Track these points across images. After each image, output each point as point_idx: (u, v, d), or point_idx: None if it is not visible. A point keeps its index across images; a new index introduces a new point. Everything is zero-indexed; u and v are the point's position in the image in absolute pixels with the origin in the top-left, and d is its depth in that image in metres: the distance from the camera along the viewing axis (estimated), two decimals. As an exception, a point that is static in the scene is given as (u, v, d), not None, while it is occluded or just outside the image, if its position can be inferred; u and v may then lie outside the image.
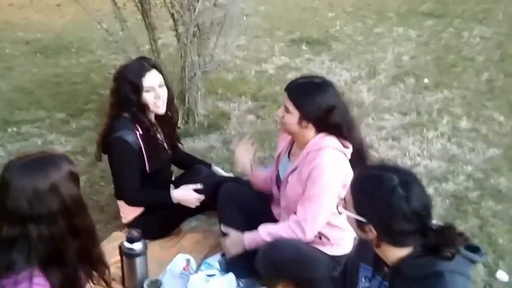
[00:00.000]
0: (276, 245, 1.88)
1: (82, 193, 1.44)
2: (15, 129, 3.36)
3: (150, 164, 2.22)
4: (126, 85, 2.15)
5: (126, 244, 1.97)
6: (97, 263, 1.48)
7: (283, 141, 2.08)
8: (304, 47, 4.97)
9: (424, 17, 5.89)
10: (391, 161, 3.04)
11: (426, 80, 4.20)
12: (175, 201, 2.23)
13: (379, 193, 1.27)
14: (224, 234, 2.07)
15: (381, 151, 3.19)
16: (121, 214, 2.34)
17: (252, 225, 2.06)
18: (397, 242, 1.29)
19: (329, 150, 1.85)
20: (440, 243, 1.25)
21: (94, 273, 1.50)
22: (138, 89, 2.14)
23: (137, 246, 1.96)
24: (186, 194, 2.24)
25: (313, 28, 5.54)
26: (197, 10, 3.04)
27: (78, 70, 4.36)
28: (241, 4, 3.45)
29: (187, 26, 3.08)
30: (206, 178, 2.32)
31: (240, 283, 2.04)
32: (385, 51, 4.87)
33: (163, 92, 2.21)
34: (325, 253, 1.94)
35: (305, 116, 1.84)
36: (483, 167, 2.99)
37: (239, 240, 1.98)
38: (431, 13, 6.00)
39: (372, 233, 1.30)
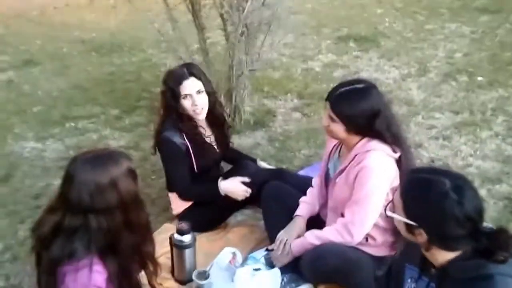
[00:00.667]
0: (320, 254, 1.89)
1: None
2: (72, 124, 3.55)
3: (197, 163, 2.31)
4: (167, 91, 2.27)
5: (177, 236, 2.05)
6: (147, 260, 1.55)
7: (332, 140, 2.08)
8: (351, 44, 4.91)
9: (478, 12, 5.65)
10: (441, 161, 2.97)
11: (480, 78, 4.05)
12: (222, 193, 2.30)
13: (431, 197, 1.26)
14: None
15: (431, 150, 3.11)
16: (172, 206, 2.44)
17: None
18: (448, 246, 1.28)
19: (376, 152, 1.83)
20: (493, 246, 1.24)
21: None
22: (176, 95, 2.25)
23: (187, 238, 2.04)
24: (234, 186, 2.30)
25: (361, 25, 5.46)
26: (246, 10, 3.09)
27: (130, 69, 4.53)
28: (288, 3, 3.46)
29: (236, 26, 3.13)
30: (254, 173, 2.37)
31: (285, 278, 2.07)
32: (436, 48, 4.73)
33: (201, 99, 2.28)
34: (370, 254, 1.93)
35: (351, 126, 1.84)
36: (539, 169, 2.86)
37: (287, 250, 2.01)
38: (486, 9, 5.74)
39: (422, 237, 1.29)
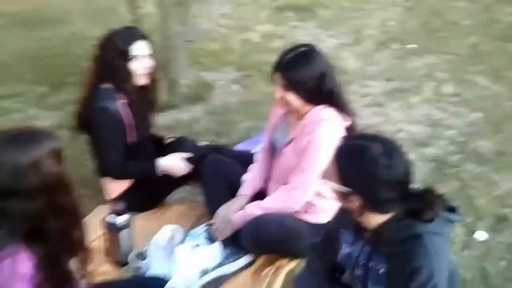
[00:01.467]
0: (260, 223, 1.90)
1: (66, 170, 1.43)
2: (-6, 104, 3.30)
3: (132, 134, 2.20)
4: (113, 52, 2.11)
5: (111, 218, 1.97)
6: (77, 247, 1.47)
7: (277, 110, 2.06)
8: (289, 14, 4.89)
9: (411, -19, 5.79)
10: (374, 128, 3.05)
11: (412, 45, 4.17)
12: (161, 170, 2.21)
13: (362, 163, 1.28)
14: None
15: (365, 117, 3.18)
16: (106, 192, 2.32)
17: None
18: (380, 209, 1.32)
19: (327, 123, 1.85)
20: (421, 206, 1.28)
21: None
22: (126, 56, 2.11)
23: (122, 219, 1.97)
24: (174, 163, 2.23)
25: (299, -6, 5.43)
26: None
27: (57, 43, 4.25)
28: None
29: (168, -7, 3.00)
30: (192, 148, 2.31)
31: (225, 252, 2.05)
32: (371, 17, 4.81)
33: (150, 63, 2.18)
34: (307, 222, 1.96)
35: (303, 91, 1.83)
36: (465, 131, 3.02)
37: (229, 222, 2.00)
38: (418, -23, 5.90)
39: (355, 202, 1.31)
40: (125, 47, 2.11)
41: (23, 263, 1.30)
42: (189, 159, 2.25)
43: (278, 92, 1.88)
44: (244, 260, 2.05)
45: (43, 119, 3.15)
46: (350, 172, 1.31)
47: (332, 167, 1.36)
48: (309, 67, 1.83)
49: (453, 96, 3.41)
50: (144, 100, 2.28)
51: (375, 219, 1.33)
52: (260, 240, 1.91)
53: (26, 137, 1.35)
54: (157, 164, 2.22)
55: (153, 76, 2.25)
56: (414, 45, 4.18)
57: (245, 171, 2.16)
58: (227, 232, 2.01)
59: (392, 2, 5.22)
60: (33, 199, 1.32)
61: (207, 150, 2.37)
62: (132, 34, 2.15)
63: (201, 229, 2.18)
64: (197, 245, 2.06)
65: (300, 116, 1.92)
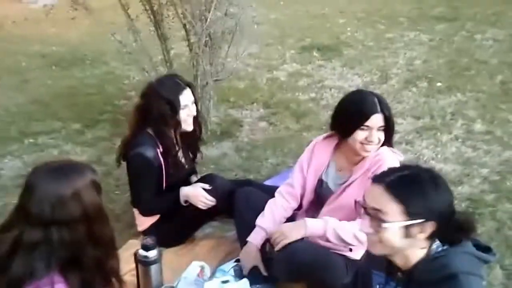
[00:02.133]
0: (297, 248, 1.89)
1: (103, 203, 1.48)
2: (31, 140, 3.43)
3: (167, 181, 2.26)
4: (161, 103, 2.17)
5: (141, 252, 1.99)
6: (111, 275, 1.50)
7: (322, 150, 2.09)
8: (315, 53, 4.99)
9: (435, 21, 5.86)
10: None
11: (439, 84, 4.18)
12: (182, 199, 2.24)
13: (427, 188, 1.26)
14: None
15: (394, 155, 3.17)
16: (137, 222, 2.37)
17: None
18: (452, 233, 1.27)
19: (390, 159, 1.91)
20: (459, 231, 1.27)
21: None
22: (175, 107, 2.18)
23: (152, 253, 1.99)
24: (194, 190, 2.25)
25: (324, 35, 5.55)
26: (208, 20, 3.08)
27: (92, 82, 4.43)
28: (252, 13, 3.48)
29: (199, 36, 3.12)
30: (220, 184, 2.33)
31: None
32: (397, 56, 4.86)
33: (194, 110, 2.26)
34: (342, 256, 1.95)
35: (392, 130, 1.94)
36: (498, 170, 2.95)
37: (297, 229, 1.95)
38: (443, 17, 5.96)
39: (424, 232, 1.25)
40: (174, 98, 2.18)
41: None
42: (211, 192, 2.25)
43: (376, 134, 1.90)
44: (273, 297, 2.03)
45: (77, 155, 3.25)
46: (420, 200, 1.25)
47: (390, 206, 1.25)
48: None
49: (484, 134, 3.37)
50: (188, 143, 2.36)
51: (412, 258, 1.29)
52: (294, 266, 1.88)
53: (69, 168, 1.41)
54: (181, 192, 2.25)
55: (196, 120, 2.32)
56: (441, 83, 4.18)
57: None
58: (298, 235, 1.93)
59: (417, 41, 5.27)
60: (73, 228, 1.36)
61: (236, 184, 2.40)
62: (178, 84, 2.22)
63: (229, 265, 2.18)
64: (226, 281, 2.05)
65: (355, 159, 1.97)
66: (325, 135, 2.13)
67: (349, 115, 1.93)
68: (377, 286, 1.44)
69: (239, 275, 2.10)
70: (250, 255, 2.06)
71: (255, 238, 2.07)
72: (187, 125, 2.26)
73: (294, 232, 1.94)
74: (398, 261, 1.32)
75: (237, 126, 3.60)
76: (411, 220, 1.24)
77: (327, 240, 1.92)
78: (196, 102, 2.31)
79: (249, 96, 4.05)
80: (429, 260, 1.27)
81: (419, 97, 3.98)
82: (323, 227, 1.91)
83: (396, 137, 3.34)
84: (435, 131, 3.43)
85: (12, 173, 3.06)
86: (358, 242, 1.87)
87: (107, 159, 3.14)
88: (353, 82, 4.29)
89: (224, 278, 2.07)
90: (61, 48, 5.28)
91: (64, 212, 1.34)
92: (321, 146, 2.11)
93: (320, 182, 2.10)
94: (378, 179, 1.32)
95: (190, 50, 3.29)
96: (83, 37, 5.59)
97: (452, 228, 1.27)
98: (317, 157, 2.11)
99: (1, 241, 1.39)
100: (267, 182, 2.76)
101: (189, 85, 2.26)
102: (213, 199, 2.24)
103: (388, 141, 1.96)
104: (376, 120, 1.89)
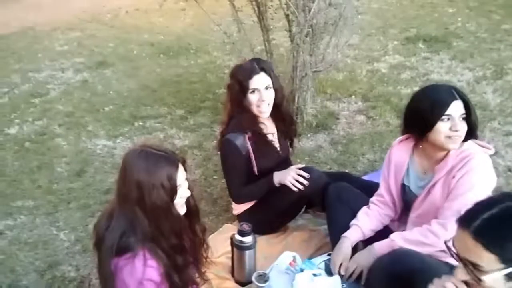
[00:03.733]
0: (400, 256, 1.80)
1: (192, 184, 1.55)
2: (141, 123, 3.70)
3: (258, 164, 2.28)
4: (236, 84, 2.22)
5: (238, 237, 2.06)
6: (201, 259, 1.58)
7: (399, 154, 2.01)
8: (420, 45, 4.71)
9: None
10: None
11: None
12: (276, 179, 2.23)
13: None
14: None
15: (507, 158, 2.90)
16: (232, 206, 2.45)
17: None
18: None
19: (478, 155, 1.79)
20: None
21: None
22: (244, 89, 2.20)
23: (248, 239, 2.04)
24: (286, 171, 2.23)
25: (431, 25, 5.22)
26: (312, 10, 3.06)
27: (196, 70, 4.64)
28: (355, 3, 3.38)
29: (301, 26, 3.11)
30: (317, 175, 2.28)
31: (344, 285, 2.00)
32: (513, 49, 4.42)
33: (268, 95, 2.22)
34: (448, 263, 1.84)
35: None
36: None
37: (367, 256, 1.93)
38: None
39: None
40: (245, 80, 2.19)
41: (151, 270, 1.41)
42: (305, 177, 2.20)
43: (460, 122, 1.78)
44: (363, 296, 1.98)
45: (180, 139, 3.44)
46: None
47: (483, 256, 1.11)
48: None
49: None
50: (280, 129, 2.35)
51: None
52: (399, 274, 1.77)
53: (161, 158, 1.48)
54: (274, 175, 2.25)
55: (280, 106, 2.30)
56: None
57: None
58: (368, 263, 1.90)
59: (540, 33, 4.74)
60: (155, 213, 1.45)
61: (334, 176, 2.36)
62: (252, 67, 2.21)
63: (319, 259, 2.17)
64: (317, 275, 2.05)
65: (436, 157, 1.86)
66: (400, 138, 2.02)
67: (426, 108, 1.80)
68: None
69: (329, 270, 2.08)
70: (342, 251, 2.02)
71: (351, 235, 2.03)
72: (260, 111, 2.22)
73: (365, 260, 1.91)
74: None
75: (334, 118, 3.55)
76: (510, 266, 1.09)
77: None
78: (277, 89, 2.24)
79: (347, 88, 3.96)
80: None
81: (539, 95, 3.59)
82: (389, 246, 1.86)
83: (510, 139, 3.09)
84: (557, 134, 3.08)
85: (123, 152, 3.32)
86: (433, 245, 1.78)
87: (207, 145, 3.29)
88: (463, 77, 3.99)
89: (316, 271, 2.07)
90: (169, 37, 5.60)
91: (148, 197, 1.43)
92: (398, 149, 2.01)
93: (403, 187, 2.01)
94: (464, 223, 1.16)
95: (291, 40, 3.29)
96: (189, 27, 5.87)
97: None
98: (395, 162, 2.02)
99: (102, 215, 1.53)
100: (364, 178, 2.69)
101: (264, 69, 2.21)
102: (305, 181, 2.19)
103: (471, 134, 1.80)
104: (457, 107, 1.76)
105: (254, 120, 2.26)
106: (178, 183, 1.48)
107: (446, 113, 1.77)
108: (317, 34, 3.30)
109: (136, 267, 1.40)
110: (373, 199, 2.12)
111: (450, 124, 1.77)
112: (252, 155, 2.26)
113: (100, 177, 3.06)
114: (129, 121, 3.73)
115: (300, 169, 2.25)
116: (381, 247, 1.90)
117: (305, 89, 3.43)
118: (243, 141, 2.23)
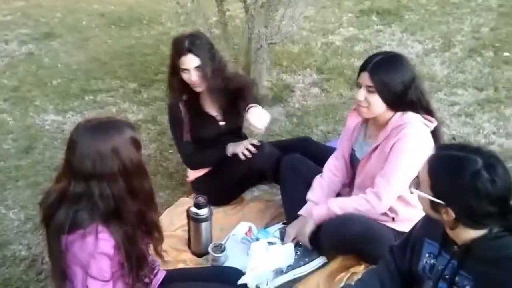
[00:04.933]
0: (346, 220, 1.89)
1: (146, 159, 1.52)
2: (91, 97, 3.58)
3: (193, 133, 2.32)
4: (170, 59, 2.29)
5: (193, 209, 2.07)
6: (152, 228, 1.56)
7: (353, 120, 2.06)
8: (374, 17, 4.78)
9: (508, -16, 5.42)
10: (463, 138, 2.91)
11: (506, 54, 3.91)
12: (229, 150, 2.31)
13: (463, 176, 1.22)
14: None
15: (452, 127, 3.05)
16: (187, 174, 2.46)
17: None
18: (477, 224, 1.26)
19: (413, 124, 1.83)
20: None
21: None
22: (176, 69, 2.25)
23: (204, 211, 2.06)
24: (239, 143, 2.30)
25: (384, -2, 5.30)
26: (266, -20, 3.02)
27: (149, 42, 4.51)
28: (309, -27, 3.37)
29: (256, -3, 3.07)
30: (268, 150, 2.32)
31: (298, 252, 2.07)
32: (462, 22, 4.57)
33: (196, 75, 2.22)
34: (392, 228, 1.93)
35: (388, 95, 1.83)
36: None
37: (306, 223, 2.01)
38: (517, -20, 5.50)
39: (448, 215, 1.26)
40: (175, 60, 2.24)
41: (103, 243, 1.40)
42: (257, 147, 2.26)
43: (360, 94, 1.86)
44: (317, 261, 2.06)
45: (134, 113, 3.37)
46: (447, 185, 1.25)
47: (424, 176, 1.31)
48: (398, 72, 1.84)
49: (552, 109, 3.15)
50: (221, 100, 2.35)
51: (467, 234, 1.28)
52: (344, 238, 1.88)
53: (109, 125, 1.46)
54: (228, 146, 2.32)
55: (225, 82, 2.31)
56: (509, 54, 3.91)
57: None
58: (308, 233, 2.01)
59: (485, 6, 4.91)
60: (113, 182, 1.42)
61: (296, 141, 2.45)
62: (181, 48, 2.20)
63: (274, 228, 2.22)
64: (272, 243, 2.10)
65: (383, 123, 1.90)
66: None
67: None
68: (427, 255, 1.42)
69: (283, 238, 2.14)
70: (297, 226, 2.08)
71: (307, 212, 2.07)
72: (194, 87, 2.28)
73: (305, 228, 2.00)
74: (452, 234, 1.30)
75: (289, 91, 3.57)
76: (434, 197, 1.28)
77: None
78: (215, 60, 2.26)
79: (303, 60, 3.98)
80: (489, 238, 1.25)
81: (484, 67, 3.75)
82: (327, 213, 1.95)
83: (455, 109, 3.24)
84: (499, 104, 3.25)
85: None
86: (371, 204, 1.89)
87: (161, 119, 3.24)
88: (413, 49, 4.10)
89: (271, 240, 2.12)
90: (120, 7, 5.38)
91: (103, 167, 1.40)
92: (352, 114, 2.07)
93: (353, 152, 2.07)
94: (436, 148, 1.36)
95: (246, 11, 3.25)
96: (141, -3, 5.66)
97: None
98: (348, 126, 2.09)
99: (50, 192, 1.49)
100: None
101: (192, 51, 2.19)
102: (254, 150, 2.24)
103: (391, 107, 1.85)
104: (363, 78, 1.84)
105: (192, 95, 2.32)
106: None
107: (357, 81, 1.88)
108: (272, 5, 3.27)
109: (89, 241, 1.38)
110: (328, 162, 2.16)
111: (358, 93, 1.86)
112: (184, 120, 2.31)
113: (49, 153, 2.95)
114: (79, 95, 3.60)
115: (252, 144, 2.28)
116: (318, 214, 1.98)
117: (260, 62, 3.41)
118: (180, 106, 2.31)
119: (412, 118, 1.86)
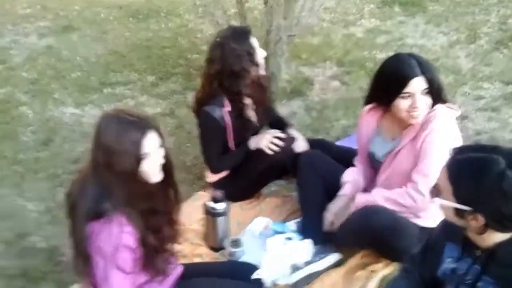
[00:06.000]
0: (373, 212, 1.85)
1: (170, 154, 1.52)
2: (110, 90, 3.58)
3: (234, 140, 2.27)
4: (246, 55, 2.15)
5: (210, 204, 2.05)
6: (172, 222, 1.57)
7: (366, 123, 2.02)
8: (396, 8, 4.66)
9: (537, -27, 5.22)
10: (488, 134, 2.82)
11: (535, 46, 3.77)
12: (252, 145, 2.25)
13: (488, 178, 1.16)
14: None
15: (477, 122, 2.95)
16: (207, 174, 2.41)
17: (331, 196, 2.06)
18: (506, 228, 1.20)
19: (441, 115, 1.81)
20: None
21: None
22: (253, 58, 2.17)
23: (221, 206, 2.04)
24: (261, 136, 2.25)
25: (407, -12, 5.16)
26: (285, -29, 2.96)
27: (167, 35, 4.48)
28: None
29: (275, -13, 3.01)
30: (291, 143, 2.29)
31: (314, 248, 2.03)
32: (488, 13, 4.41)
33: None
34: (416, 224, 1.88)
35: (438, 89, 1.81)
36: None
37: (344, 204, 1.97)
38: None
39: (477, 221, 1.20)
40: (252, 50, 2.15)
41: (128, 236, 1.40)
42: (283, 139, 2.23)
43: (422, 98, 1.78)
44: (334, 257, 2.01)
45: (151, 106, 3.35)
46: (472, 189, 1.18)
47: (445, 184, 1.23)
48: (433, 65, 1.87)
49: None
50: (257, 96, 2.31)
51: (494, 238, 1.22)
52: (372, 229, 1.83)
53: (132, 124, 1.44)
54: (249, 143, 2.26)
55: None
56: (538, 45, 3.77)
57: (344, 169, 2.11)
58: (344, 218, 1.97)
59: (513, -3, 4.75)
60: (126, 180, 1.42)
61: (310, 143, 2.35)
62: (245, 32, 2.20)
63: (293, 223, 2.18)
64: (290, 238, 2.06)
65: (401, 122, 1.86)
66: (369, 106, 2.01)
67: (386, 83, 1.81)
68: (448, 259, 1.37)
69: (300, 233, 2.10)
70: (341, 209, 2.01)
71: (347, 190, 2.04)
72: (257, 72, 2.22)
73: (345, 210, 1.96)
74: (476, 238, 1.25)
75: (308, 84, 3.51)
76: (459, 204, 1.20)
77: None
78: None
79: (323, 53, 3.91)
80: None
81: (511, 60, 3.62)
82: (369, 200, 1.90)
83: (480, 103, 3.13)
84: (526, 98, 3.13)
85: (92, 120, 3.16)
86: (410, 208, 1.84)
87: (179, 112, 3.22)
88: (438, 41, 3.98)
89: (289, 235, 2.08)
90: (138, 0, 5.38)
91: (120, 164, 1.40)
92: (366, 117, 2.02)
93: (371, 154, 2.02)
94: (453, 152, 1.27)
95: (265, 3, 3.20)
96: (159, -12, 5.64)
97: None
98: (362, 130, 2.04)
99: (75, 183, 1.50)
100: (337, 144, 2.68)
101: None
102: (281, 143, 2.20)
103: (437, 101, 1.82)
104: (417, 84, 1.75)
105: (241, 100, 2.24)
106: (146, 150, 1.44)
107: (405, 91, 1.75)
108: (291, -4, 3.22)
109: (113, 232, 1.39)
110: (355, 161, 2.14)
111: (411, 101, 1.77)
112: (230, 129, 2.23)
113: (68, 146, 2.96)
114: (97, 88, 3.60)
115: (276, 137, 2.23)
116: (360, 200, 1.93)
117: (279, 54, 3.36)
118: (222, 115, 2.20)
119: (438, 109, 1.82)
